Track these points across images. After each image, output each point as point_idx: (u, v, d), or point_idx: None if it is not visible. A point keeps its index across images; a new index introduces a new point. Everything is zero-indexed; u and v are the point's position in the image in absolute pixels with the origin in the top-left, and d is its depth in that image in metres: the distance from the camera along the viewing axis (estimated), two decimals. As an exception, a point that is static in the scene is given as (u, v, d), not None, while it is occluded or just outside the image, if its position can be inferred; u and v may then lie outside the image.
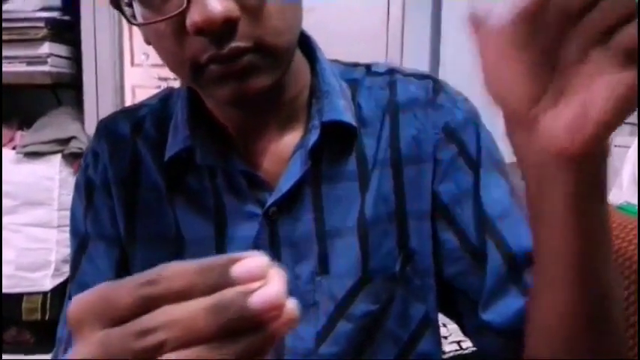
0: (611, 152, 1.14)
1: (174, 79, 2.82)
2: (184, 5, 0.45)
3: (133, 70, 2.43)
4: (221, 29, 0.45)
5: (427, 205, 0.58)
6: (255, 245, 0.57)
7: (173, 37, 0.48)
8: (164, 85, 2.73)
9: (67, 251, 1.55)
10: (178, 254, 0.59)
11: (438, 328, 0.62)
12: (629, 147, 1.07)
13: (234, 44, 0.47)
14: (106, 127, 0.64)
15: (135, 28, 2.17)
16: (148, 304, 0.26)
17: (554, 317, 0.44)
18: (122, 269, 0.61)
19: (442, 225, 0.58)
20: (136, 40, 2.47)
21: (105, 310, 0.26)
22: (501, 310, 0.54)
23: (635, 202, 1.00)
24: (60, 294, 1.52)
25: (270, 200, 0.56)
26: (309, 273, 0.57)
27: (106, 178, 0.62)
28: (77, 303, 0.27)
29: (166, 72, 2.76)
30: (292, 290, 0.56)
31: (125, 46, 1.85)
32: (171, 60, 0.51)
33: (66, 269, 1.55)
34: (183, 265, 0.27)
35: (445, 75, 1.93)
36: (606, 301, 0.42)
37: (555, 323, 0.44)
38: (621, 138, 1.12)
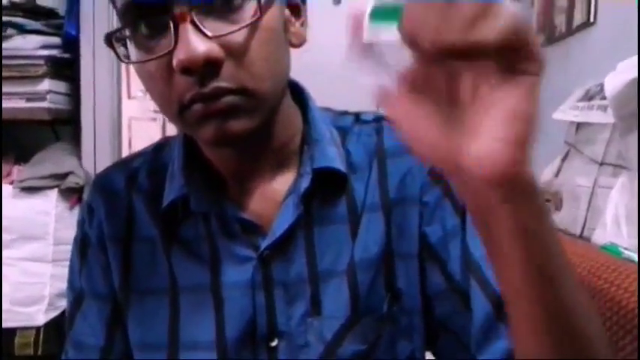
0: (595, 192, 1.17)
1: (170, 110, 2.86)
2: (172, 45, 0.48)
3: (129, 103, 2.47)
4: (204, 68, 0.48)
5: (414, 246, 0.60)
6: (251, 287, 0.59)
7: (162, 77, 0.51)
8: (159, 117, 2.76)
9: (61, 286, 1.56)
10: (173, 303, 0.61)
11: None
12: (611, 188, 1.10)
13: (216, 84, 0.50)
14: (101, 181, 0.67)
15: (132, 62, 2.20)
16: None
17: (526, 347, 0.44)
18: (114, 325, 0.64)
19: (430, 266, 0.60)
20: (132, 72, 2.51)
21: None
22: (496, 353, 0.55)
23: (619, 242, 1.03)
24: (53, 329, 1.52)
25: (264, 244, 0.59)
26: (300, 315, 0.59)
27: (101, 233, 0.64)
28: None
29: (162, 104, 2.80)
30: (284, 332, 0.59)
31: (122, 78, 1.89)
32: (160, 99, 0.54)
33: (60, 304, 1.55)
34: None
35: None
36: (576, 327, 0.41)
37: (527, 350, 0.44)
38: (604, 179, 1.15)
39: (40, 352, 1.49)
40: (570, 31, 1.53)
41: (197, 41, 0.48)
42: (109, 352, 0.63)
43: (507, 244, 0.37)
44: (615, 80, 1.10)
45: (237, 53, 0.50)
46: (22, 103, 1.58)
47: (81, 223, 0.66)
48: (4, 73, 1.56)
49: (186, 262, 0.61)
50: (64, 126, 1.77)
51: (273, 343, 0.59)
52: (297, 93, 0.64)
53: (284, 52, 0.57)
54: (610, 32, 1.37)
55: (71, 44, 1.65)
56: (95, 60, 1.65)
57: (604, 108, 1.16)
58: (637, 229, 0.99)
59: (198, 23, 0.48)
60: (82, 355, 0.64)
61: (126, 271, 0.63)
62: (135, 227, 0.64)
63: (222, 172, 0.62)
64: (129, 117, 2.38)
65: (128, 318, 0.63)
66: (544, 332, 0.41)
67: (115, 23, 1.68)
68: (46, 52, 1.59)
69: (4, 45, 1.57)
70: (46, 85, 1.58)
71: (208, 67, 0.49)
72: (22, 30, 1.60)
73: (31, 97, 1.58)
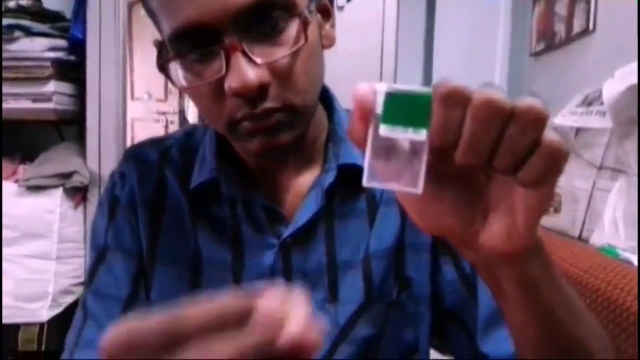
0: (593, 195, 1.19)
1: (173, 112, 2.88)
2: (223, 72, 0.51)
3: (133, 104, 2.50)
4: (255, 94, 0.51)
5: (426, 238, 0.63)
6: (271, 273, 0.61)
7: (212, 97, 0.54)
8: (162, 118, 2.79)
9: (65, 282, 1.57)
10: (195, 275, 0.63)
11: (427, 357, 0.66)
12: (609, 191, 1.12)
13: (266, 105, 0.53)
14: (135, 152, 0.69)
15: (136, 64, 2.22)
16: (175, 345, 0.27)
17: None
18: (139, 282, 0.64)
19: (444, 257, 0.63)
20: (136, 75, 2.53)
21: (134, 350, 0.27)
22: (498, 344, 0.58)
23: (617, 244, 1.05)
24: (56, 325, 1.53)
25: (287, 232, 0.61)
26: (318, 301, 0.61)
27: (132, 197, 0.66)
28: (108, 341, 0.27)
29: (164, 107, 2.82)
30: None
31: (126, 81, 1.91)
32: (209, 115, 0.57)
33: (63, 301, 1.57)
34: (205, 306, 0.28)
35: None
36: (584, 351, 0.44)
37: None
38: (603, 182, 1.17)
39: (43, 348, 1.50)
40: (570, 38, 1.56)
41: (248, 69, 0.50)
42: (131, 306, 0.63)
43: (516, 293, 0.40)
44: (613, 87, 1.12)
45: (282, 74, 0.53)
46: (28, 104, 1.59)
47: (110, 188, 0.68)
48: (11, 75, 1.58)
49: (210, 239, 0.63)
50: (70, 126, 1.79)
51: None
52: (323, 94, 0.66)
53: (321, 59, 0.60)
54: (608, 39, 1.39)
55: (77, 47, 1.67)
56: (101, 62, 1.67)
57: (602, 113, 1.18)
58: (636, 231, 1.01)
59: (248, 52, 0.51)
60: (102, 303, 0.64)
61: (154, 237, 0.65)
62: (166, 197, 0.66)
63: (251, 165, 0.64)
64: (132, 118, 2.41)
65: (152, 283, 0.64)
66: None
67: (122, 27, 1.71)
68: (52, 55, 1.61)
69: (11, 47, 1.59)
70: (51, 86, 1.60)
71: (259, 92, 0.52)
72: (29, 32, 1.61)
73: (37, 98, 1.60)
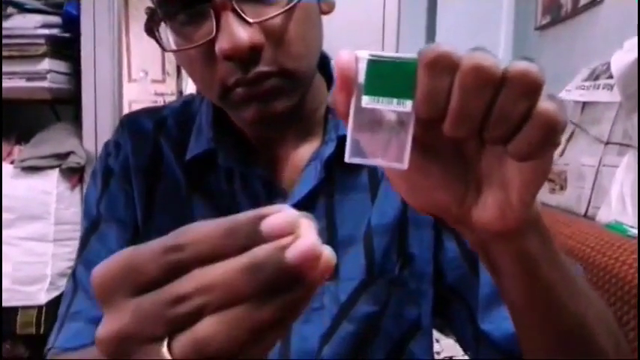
0: (600, 171, 1.16)
1: (171, 94, 2.85)
2: (213, 34, 0.49)
3: (129, 86, 2.47)
4: (247, 56, 0.49)
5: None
6: None
7: (203, 61, 0.52)
8: (160, 100, 2.76)
9: (63, 265, 1.56)
10: None
11: (430, 335, 0.65)
12: (616, 166, 1.09)
13: (258, 69, 0.51)
14: (130, 121, 0.68)
15: (132, 45, 2.19)
16: (177, 270, 0.25)
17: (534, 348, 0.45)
18: None
19: (446, 233, 0.61)
20: (133, 56, 2.50)
21: (131, 278, 0.25)
22: (499, 322, 0.56)
23: (623, 220, 1.02)
24: (55, 308, 1.51)
25: None
26: None
27: (126, 166, 0.64)
28: (101, 270, 0.26)
29: (162, 88, 2.79)
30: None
31: (123, 60, 1.88)
32: (201, 82, 0.56)
33: (61, 283, 1.55)
34: (208, 226, 0.26)
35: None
36: (584, 328, 0.43)
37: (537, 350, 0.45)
38: (610, 158, 1.14)
39: (42, 331, 1.49)
40: (577, 10, 1.51)
41: (239, 29, 0.48)
42: None
43: (513, 271, 0.39)
44: (622, 58, 1.09)
45: (276, 36, 0.51)
46: (22, 83, 1.56)
47: (104, 158, 0.66)
48: (5, 53, 1.55)
49: (206, 211, 0.62)
50: (65, 106, 1.76)
51: None
52: (322, 62, 0.64)
53: (318, 25, 0.57)
54: (618, 10, 1.35)
55: (71, 23, 1.63)
56: (95, 39, 1.63)
57: (610, 87, 1.15)
58: (637, 206, 0.99)
59: (238, 10, 0.48)
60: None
61: (150, 206, 0.63)
62: (162, 167, 0.64)
63: (249, 137, 0.63)
64: (129, 100, 2.38)
65: None
66: (553, 345, 0.43)
67: (116, 3, 1.67)
68: (46, 31, 1.57)
69: (4, 24, 1.55)
70: (46, 64, 1.56)
71: (251, 54, 0.50)
72: (22, 9, 1.58)
73: (31, 77, 1.56)
